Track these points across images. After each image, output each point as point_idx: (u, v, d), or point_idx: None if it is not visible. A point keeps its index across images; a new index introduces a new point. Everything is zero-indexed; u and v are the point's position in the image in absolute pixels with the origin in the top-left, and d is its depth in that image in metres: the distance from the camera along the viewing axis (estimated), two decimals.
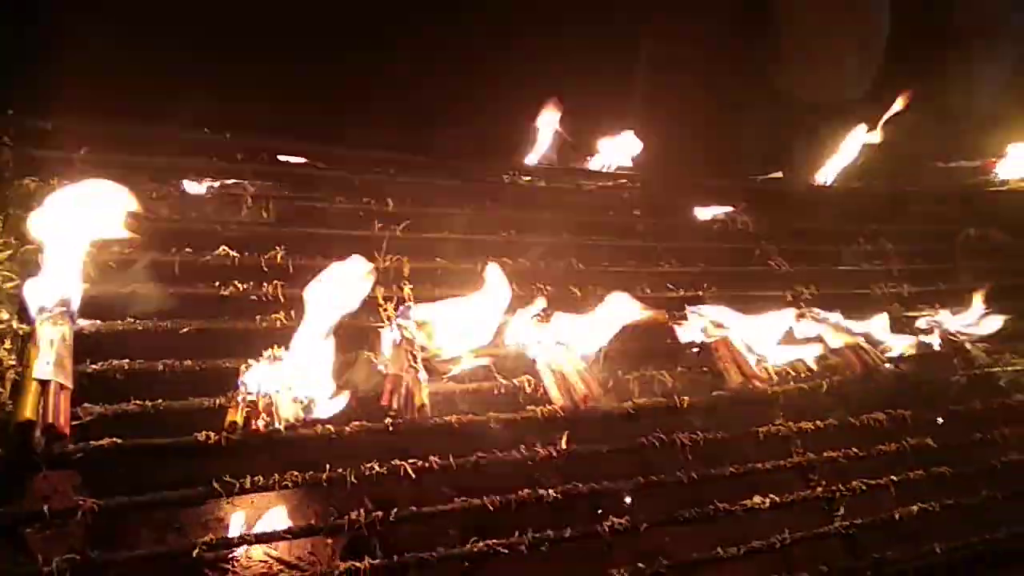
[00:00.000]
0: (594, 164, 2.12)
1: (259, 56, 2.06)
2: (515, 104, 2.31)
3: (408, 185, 1.71)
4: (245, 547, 1.26)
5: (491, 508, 1.18)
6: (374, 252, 1.47)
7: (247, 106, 1.80)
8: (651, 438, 1.33)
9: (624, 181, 1.99)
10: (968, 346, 1.71)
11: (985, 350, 1.76)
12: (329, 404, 1.20)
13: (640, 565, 1.19)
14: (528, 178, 1.94)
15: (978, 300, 1.84)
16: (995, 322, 1.79)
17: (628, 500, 1.36)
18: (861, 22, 4.10)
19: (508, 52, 2.49)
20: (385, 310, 1.34)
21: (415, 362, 1.26)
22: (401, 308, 1.36)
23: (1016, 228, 2.48)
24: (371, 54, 2.28)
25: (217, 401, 1.18)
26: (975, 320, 1.79)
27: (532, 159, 2.11)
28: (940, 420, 1.58)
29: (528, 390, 1.34)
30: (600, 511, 1.29)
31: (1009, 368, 1.71)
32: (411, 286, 1.47)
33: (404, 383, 1.22)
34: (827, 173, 2.68)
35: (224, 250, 1.39)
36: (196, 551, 1.03)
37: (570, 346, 1.39)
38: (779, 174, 2.70)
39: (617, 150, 2.18)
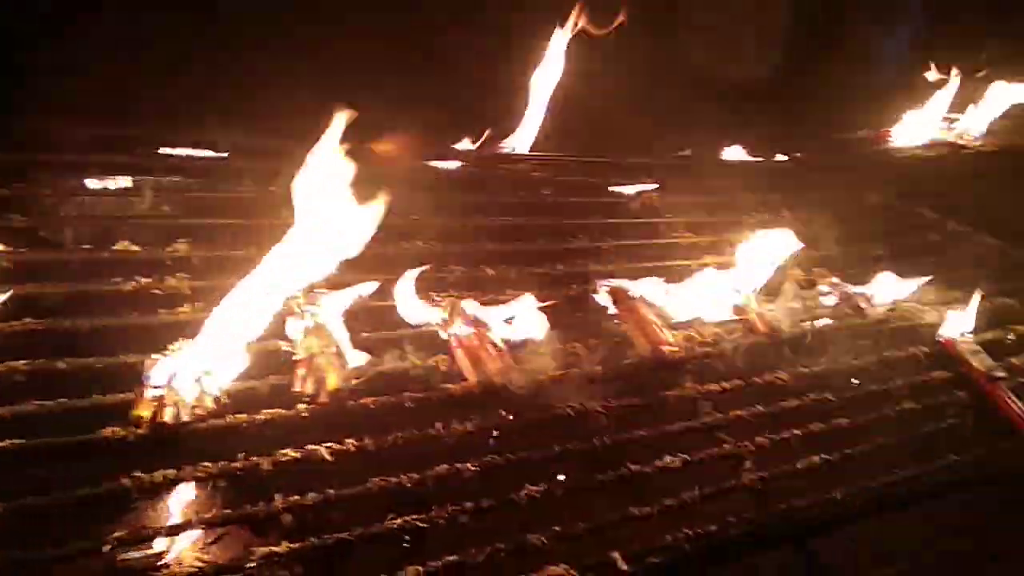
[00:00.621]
0: (506, 147, 2.15)
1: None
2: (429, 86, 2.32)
3: None
4: (175, 553, 1.25)
5: (409, 486, 1.20)
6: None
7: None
8: (568, 407, 1.37)
9: (535, 163, 2.03)
10: (864, 305, 1.80)
11: (882, 308, 1.85)
12: (240, 392, 1.20)
13: (557, 528, 1.21)
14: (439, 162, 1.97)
15: (876, 262, 1.95)
16: (893, 283, 1.89)
17: (551, 471, 1.39)
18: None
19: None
20: (295, 297, 1.33)
21: (327, 346, 1.26)
22: (311, 294, 1.35)
23: (909, 191, 2.63)
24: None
25: (123, 397, 1.16)
26: (874, 281, 1.89)
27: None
28: (840, 377, 1.65)
29: (443, 369, 1.37)
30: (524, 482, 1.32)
31: (903, 323, 1.81)
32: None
33: (317, 368, 1.23)
34: (735, 148, 2.77)
35: (125, 245, 1.37)
36: (107, 547, 1.02)
37: (483, 324, 1.42)
38: (688, 152, 2.78)
39: (528, 133, 2.22)
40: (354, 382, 1.27)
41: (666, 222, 1.99)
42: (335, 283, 1.43)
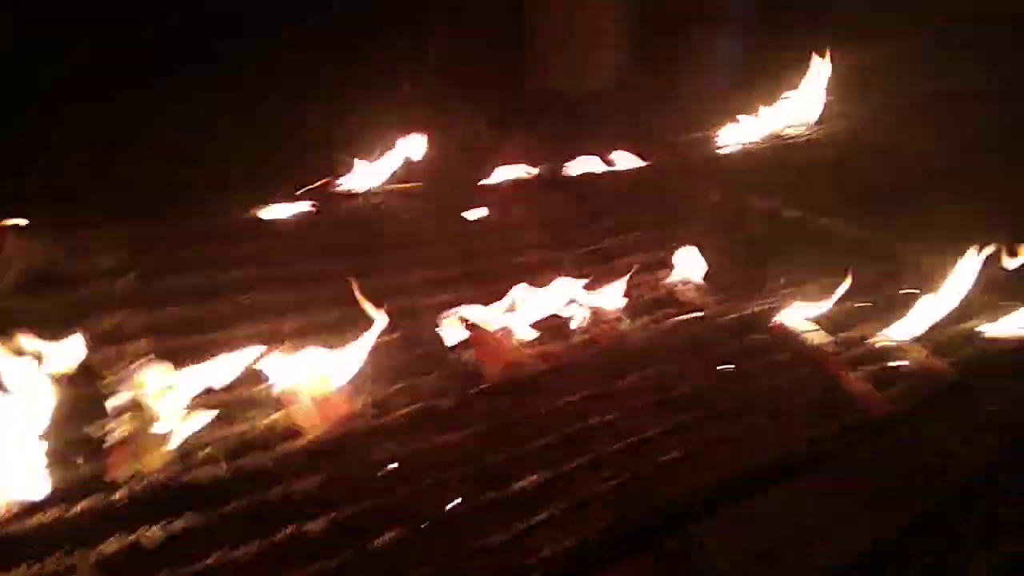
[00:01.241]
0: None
1: None
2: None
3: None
4: None
5: (254, 555, 1.12)
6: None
7: None
8: (418, 447, 1.33)
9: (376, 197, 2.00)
10: (703, 299, 1.86)
11: (717, 301, 1.92)
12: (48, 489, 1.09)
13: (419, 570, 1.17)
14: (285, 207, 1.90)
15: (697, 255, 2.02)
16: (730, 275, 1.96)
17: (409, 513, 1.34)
18: (604, 12, 4.41)
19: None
20: (104, 377, 1.23)
21: (146, 424, 1.17)
22: (127, 368, 1.26)
23: (737, 187, 2.77)
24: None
25: None
26: (703, 273, 1.95)
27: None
28: (691, 372, 1.69)
29: (282, 427, 1.30)
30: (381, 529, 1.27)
31: (742, 313, 1.89)
32: (145, 340, 1.39)
33: (133, 450, 1.14)
34: (582, 162, 2.83)
35: None
36: None
37: (325, 372, 1.36)
38: (536, 169, 2.82)
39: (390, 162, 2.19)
40: (188, 453, 1.20)
41: (510, 242, 1.99)
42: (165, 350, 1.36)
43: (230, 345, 1.37)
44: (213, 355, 1.34)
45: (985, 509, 1.59)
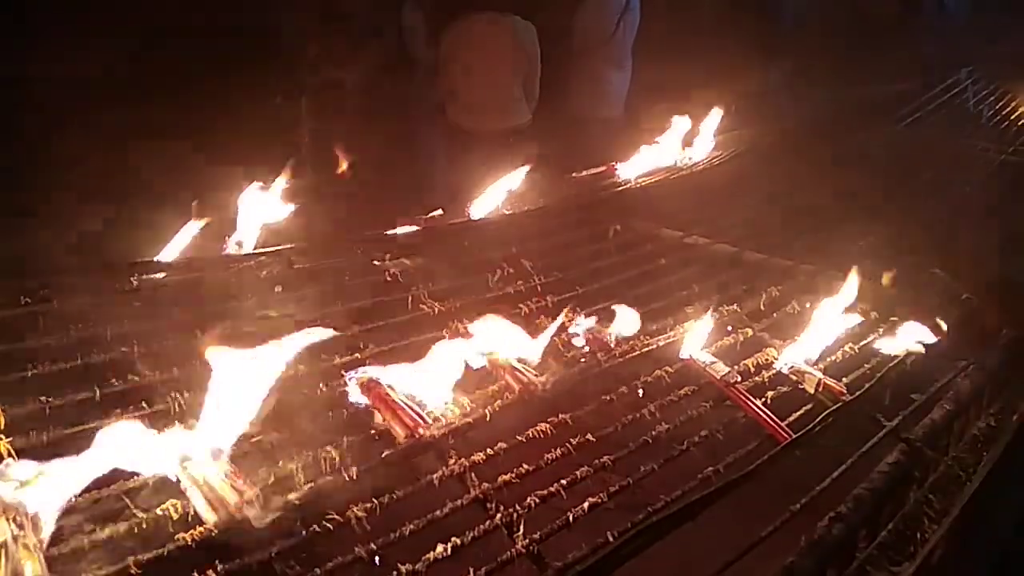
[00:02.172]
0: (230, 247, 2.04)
1: None
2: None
3: None
4: None
5: None
6: None
7: None
8: (322, 525, 1.28)
9: (265, 257, 1.94)
10: (609, 338, 1.88)
11: (625, 340, 1.94)
12: None
13: None
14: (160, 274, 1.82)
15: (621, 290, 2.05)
16: (631, 314, 1.98)
17: None
18: (517, 56, 4.50)
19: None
20: None
21: (20, 529, 1.09)
22: None
23: (646, 216, 2.84)
24: None
25: None
26: (616, 315, 1.97)
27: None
28: (599, 417, 1.70)
29: (176, 517, 1.23)
30: None
31: (645, 349, 1.91)
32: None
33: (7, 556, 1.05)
34: (486, 203, 2.85)
35: None
36: None
37: (212, 454, 1.30)
38: (439, 212, 2.82)
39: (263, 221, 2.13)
40: (68, 556, 1.12)
41: (414, 294, 1.97)
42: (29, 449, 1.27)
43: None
44: (83, 447, 1.25)
45: (889, 525, 1.65)
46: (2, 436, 1.28)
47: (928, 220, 2.97)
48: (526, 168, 2.80)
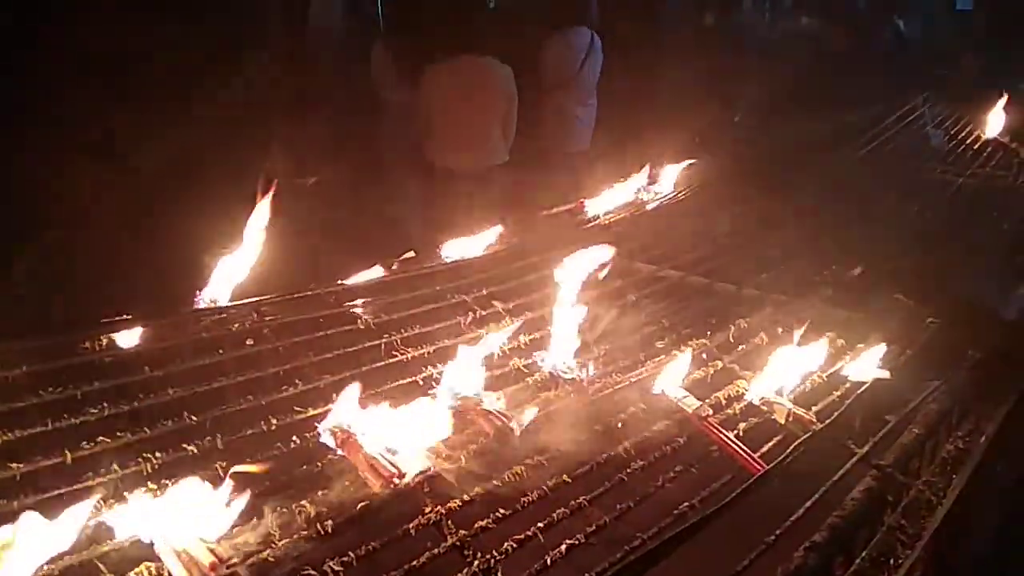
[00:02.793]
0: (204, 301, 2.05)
1: None
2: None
3: None
4: None
5: None
6: None
7: None
8: None
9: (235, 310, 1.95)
10: (578, 376, 1.90)
11: (592, 378, 1.96)
12: None
13: None
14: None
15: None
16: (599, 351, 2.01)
17: None
18: (496, 97, 4.59)
19: None
20: None
21: None
22: None
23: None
24: None
25: None
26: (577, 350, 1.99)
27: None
28: (563, 458, 1.70)
29: None
30: None
31: (619, 387, 1.93)
32: None
33: None
34: (456, 242, 2.87)
35: None
36: None
37: (190, 515, 1.29)
38: (411, 253, 2.84)
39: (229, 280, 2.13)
40: None
41: (385, 341, 1.98)
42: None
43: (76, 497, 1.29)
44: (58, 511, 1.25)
45: (864, 552, 1.67)
46: None
47: (890, 245, 3.03)
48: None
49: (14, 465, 1.42)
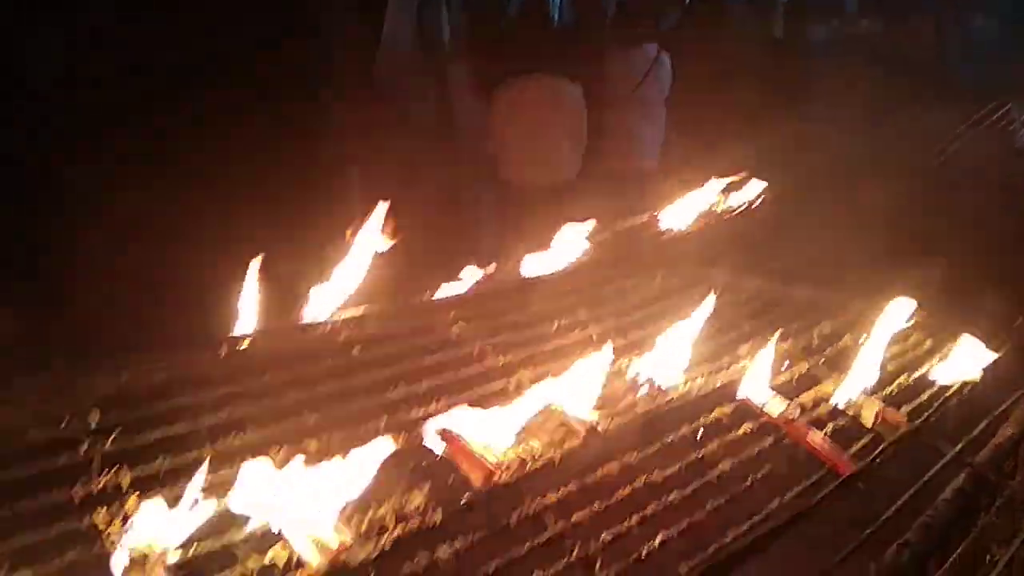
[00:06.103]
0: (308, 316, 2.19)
1: None
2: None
3: None
4: None
5: None
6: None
7: None
8: (415, 564, 1.38)
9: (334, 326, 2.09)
10: (671, 379, 1.96)
11: (680, 379, 2.01)
12: None
13: None
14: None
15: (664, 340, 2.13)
16: (683, 356, 2.06)
17: None
18: (568, 115, 4.71)
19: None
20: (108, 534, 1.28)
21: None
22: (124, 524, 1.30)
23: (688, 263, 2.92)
24: None
25: None
26: (669, 357, 2.05)
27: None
28: (662, 456, 1.77)
29: (281, 564, 1.34)
30: None
31: (702, 392, 1.98)
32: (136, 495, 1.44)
33: None
34: (543, 260, 2.95)
35: None
36: None
37: (314, 502, 1.41)
38: (492, 267, 2.94)
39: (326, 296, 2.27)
40: None
41: (479, 348, 2.09)
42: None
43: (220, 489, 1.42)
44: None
45: (959, 549, 1.67)
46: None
47: (978, 245, 2.99)
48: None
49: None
